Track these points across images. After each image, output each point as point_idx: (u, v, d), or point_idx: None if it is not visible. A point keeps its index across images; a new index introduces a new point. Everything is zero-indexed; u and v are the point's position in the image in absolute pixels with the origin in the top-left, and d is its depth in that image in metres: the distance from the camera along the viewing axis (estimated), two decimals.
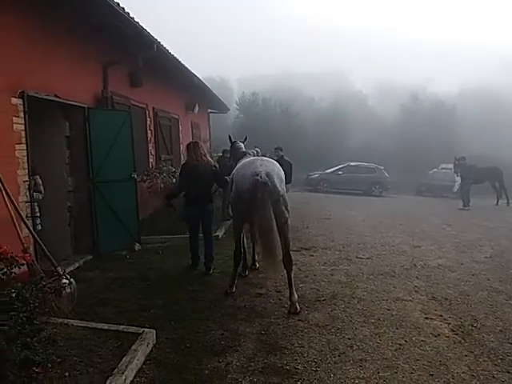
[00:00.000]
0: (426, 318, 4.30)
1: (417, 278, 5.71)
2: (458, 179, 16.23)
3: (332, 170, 21.55)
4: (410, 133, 27.26)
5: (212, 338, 3.81)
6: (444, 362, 3.42)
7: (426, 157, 24.47)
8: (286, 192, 9.06)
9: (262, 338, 3.84)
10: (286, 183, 9.80)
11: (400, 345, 3.71)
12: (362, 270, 6.06)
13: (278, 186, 4.63)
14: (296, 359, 3.46)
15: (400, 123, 29.42)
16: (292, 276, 4.67)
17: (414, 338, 3.83)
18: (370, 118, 30.39)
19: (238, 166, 5.29)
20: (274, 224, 4.36)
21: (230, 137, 6.48)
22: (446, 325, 4.15)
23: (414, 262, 6.55)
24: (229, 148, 10.05)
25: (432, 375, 3.22)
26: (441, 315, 4.39)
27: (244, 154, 5.85)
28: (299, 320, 4.23)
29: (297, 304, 4.50)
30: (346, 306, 4.61)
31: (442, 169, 21.36)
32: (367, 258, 6.73)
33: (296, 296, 4.58)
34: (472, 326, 4.15)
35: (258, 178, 4.46)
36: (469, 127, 26.57)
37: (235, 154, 6.15)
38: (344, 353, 3.57)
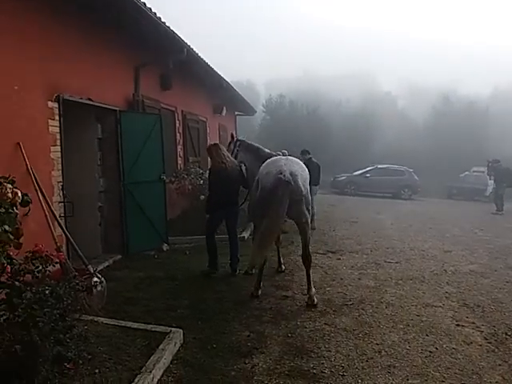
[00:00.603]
0: (458, 325, 4.18)
1: (447, 283, 5.56)
2: (491, 182, 15.73)
3: (360, 172, 21.28)
4: (441, 135, 26.67)
5: (238, 340, 3.82)
6: (476, 370, 3.32)
7: (458, 159, 23.85)
8: (314, 194, 9.12)
9: (289, 340, 3.83)
10: (314, 185, 9.90)
11: (430, 352, 3.61)
12: (390, 274, 5.95)
13: (301, 185, 4.71)
14: (323, 363, 3.43)
15: (431, 125, 28.83)
16: (310, 273, 4.89)
17: (444, 346, 3.73)
18: (399, 119, 29.87)
19: (262, 165, 5.23)
20: (281, 224, 4.59)
21: (232, 134, 6.33)
22: (479, 333, 4.03)
23: (445, 267, 6.38)
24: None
25: None
26: (473, 322, 4.26)
27: (269, 156, 5.70)
28: (326, 324, 4.19)
29: (314, 297, 4.72)
30: (374, 311, 4.53)
31: (473, 172, 20.77)
32: (396, 263, 6.60)
33: (313, 290, 4.80)
34: (506, 334, 4.00)
35: (282, 176, 4.53)
36: (502, 129, 25.70)
37: (256, 155, 5.95)
38: (372, 358, 3.51)
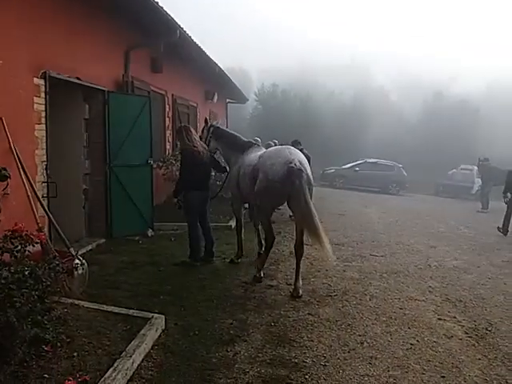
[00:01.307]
0: (439, 319, 4.21)
1: (431, 278, 5.60)
2: (478, 181, 15.87)
3: (349, 165, 21.31)
4: (431, 131, 26.80)
5: (221, 327, 3.79)
6: (456, 364, 3.34)
7: (447, 157, 24.02)
8: None
9: (271, 329, 3.81)
10: None
11: (411, 344, 3.63)
12: (375, 267, 5.97)
13: (310, 174, 4.88)
14: (305, 353, 3.42)
15: (422, 121, 28.93)
16: (300, 264, 4.87)
17: (426, 339, 3.75)
18: (391, 114, 29.92)
19: (259, 155, 5.15)
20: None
21: (206, 119, 6.13)
22: (460, 327, 4.06)
23: (429, 262, 6.43)
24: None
25: (444, 377, 3.14)
26: (454, 317, 4.29)
27: (249, 145, 5.63)
28: (309, 314, 4.18)
29: (300, 289, 4.68)
30: (358, 303, 4.54)
31: (461, 170, 20.94)
32: (381, 256, 6.63)
33: (300, 282, 4.77)
34: (486, 329, 4.04)
35: (293, 165, 4.60)
36: (493, 128, 25.93)
37: (232, 142, 5.76)
38: (354, 349, 3.51)
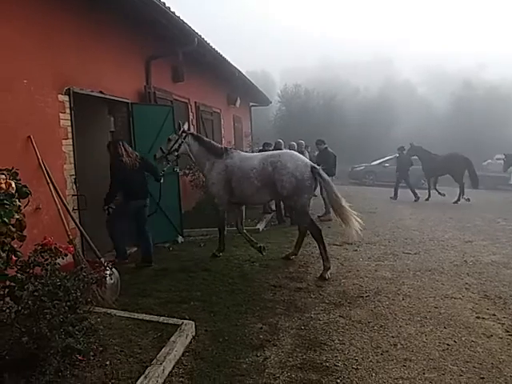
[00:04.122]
0: (478, 318, 4.03)
1: (468, 274, 5.38)
2: None
3: (378, 161, 20.91)
4: (462, 122, 25.95)
5: (250, 332, 3.77)
6: (496, 364, 3.18)
7: (480, 147, 23.16)
8: None
9: (302, 333, 3.76)
10: (329, 175, 9.87)
11: (448, 345, 3.49)
12: (408, 265, 5.81)
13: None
14: (336, 356, 3.35)
15: (452, 112, 28.06)
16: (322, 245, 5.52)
17: (463, 339, 3.60)
18: (419, 107, 29.18)
19: (260, 158, 5.67)
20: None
21: (179, 124, 6.07)
22: (500, 325, 3.87)
23: (465, 257, 6.19)
24: (268, 142, 10.07)
25: (483, 378, 3.00)
26: (494, 315, 4.10)
27: (227, 150, 5.94)
28: (340, 316, 4.10)
29: (328, 272, 5.27)
30: (391, 303, 4.42)
31: (496, 159, 20.15)
32: (414, 254, 6.44)
33: (330, 264, 5.43)
34: None
35: (314, 166, 5.49)
36: None
37: (207, 148, 5.97)
38: (387, 351, 3.41)
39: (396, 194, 13.78)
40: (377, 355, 3.35)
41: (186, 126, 6.08)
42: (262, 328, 3.85)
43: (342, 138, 23.68)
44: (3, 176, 2.05)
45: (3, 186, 2.03)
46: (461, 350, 3.42)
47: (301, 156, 5.76)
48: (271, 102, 21.11)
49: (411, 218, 9.93)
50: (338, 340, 3.62)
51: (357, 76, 31.57)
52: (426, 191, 13.83)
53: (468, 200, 12.77)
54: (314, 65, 35.96)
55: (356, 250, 6.64)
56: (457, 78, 29.73)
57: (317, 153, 11.18)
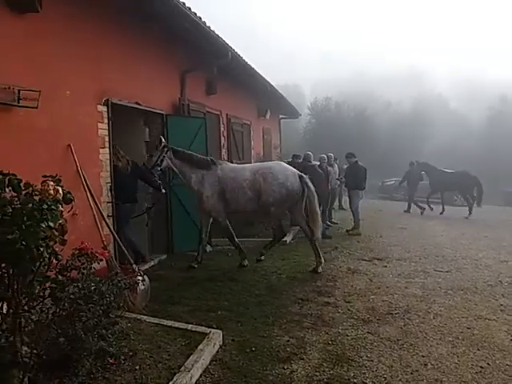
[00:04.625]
0: None
1: (503, 295, 5.20)
2: None
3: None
4: (497, 137, 25.18)
5: (277, 344, 3.77)
6: None
7: None
8: (360, 198, 9.93)
9: (329, 348, 3.73)
10: (359, 189, 9.78)
11: (481, 367, 3.38)
12: (439, 283, 5.66)
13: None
14: (364, 373, 3.30)
15: (486, 127, 27.31)
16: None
17: (497, 362, 3.48)
18: (452, 121, 28.56)
19: (251, 169, 6.11)
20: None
21: (160, 139, 6.13)
22: None
23: (500, 278, 5.98)
24: (296, 154, 10.12)
25: None
26: None
27: (214, 162, 6.20)
28: (369, 332, 4.04)
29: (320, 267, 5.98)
30: (421, 322, 4.32)
31: None
32: (446, 272, 6.27)
33: (323, 260, 6.11)
34: None
35: (302, 175, 5.98)
36: None
37: (189, 161, 6.10)
38: (417, 371, 3.33)
39: (409, 207, 13.95)
40: (406, 374, 3.28)
41: (162, 141, 6.10)
42: (288, 341, 3.84)
43: (373, 152, 23.42)
44: (52, 183, 2.16)
45: (52, 192, 2.14)
46: (494, 373, 3.30)
47: (289, 166, 6.24)
48: (301, 115, 21.15)
49: (443, 235, 9.68)
50: (366, 357, 3.56)
51: (389, 89, 31.24)
52: (457, 207, 13.60)
53: (467, 218, 12.92)
54: (346, 78, 35.85)
55: (386, 266, 6.53)
56: (492, 92, 28.95)
57: (345, 166, 11.12)
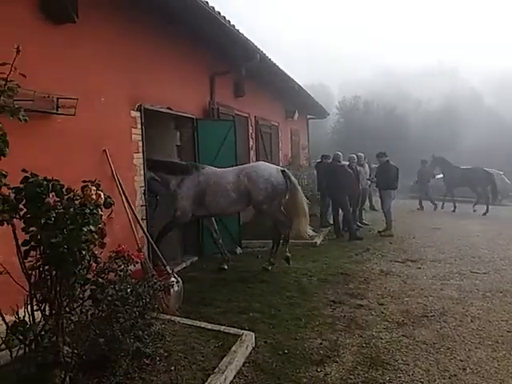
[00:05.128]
0: None
1: None
2: None
3: (441, 175, 19.95)
4: None
5: (310, 347, 3.75)
6: None
7: None
8: (392, 199, 9.75)
9: (363, 350, 3.69)
10: (391, 189, 9.60)
11: None
12: (477, 285, 5.49)
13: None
14: (400, 377, 3.25)
15: None
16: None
17: None
18: (486, 117, 27.62)
19: (234, 171, 6.14)
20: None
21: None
22: None
23: None
24: (326, 154, 10.04)
25: None
26: None
27: (194, 167, 6.19)
28: (404, 335, 3.97)
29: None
30: (458, 325, 4.20)
31: None
32: (483, 273, 6.08)
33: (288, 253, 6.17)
34: None
35: (285, 170, 6.15)
36: None
37: (171, 167, 6.09)
38: (455, 375, 3.25)
39: (421, 204, 14.38)
40: (444, 378, 3.21)
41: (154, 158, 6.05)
42: (321, 343, 3.82)
43: (405, 151, 22.89)
44: (94, 188, 2.24)
45: (94, 196, 2.22)
46: None
47: (271, 164, 6.48)
48: (329, 114, 20.94)
49: (479, 235, 9.37)
50: (402, 360, 3.50)
51: (419, 87, 30.54)
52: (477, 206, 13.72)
53: (474, 211, 13.27)
54: (374, 77, 35.31)
55: (420, 268, 6.39)
56: None
57: (374, 165, 10.98)
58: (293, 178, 6.18)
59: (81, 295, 2.60)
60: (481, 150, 24.10)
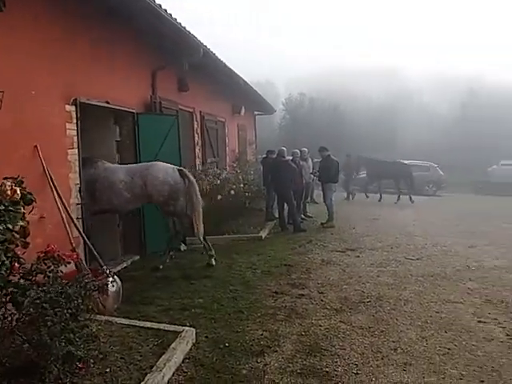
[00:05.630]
0: (479, 322, 4.03)
1: (470, 279, 5.38)
2: None
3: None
4: (466, 128, 25.92)
5: (251, 338, 3.79)
6: (496, 368, 3.18)
7: (485, 153, 23.09)
8: (334, 191, 9.93)
9: (302, 339, 3.77)
10: (332, 183, 9.87)
11: (449, 349, 3.49)
12: (410, 271, 5.80)
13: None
14: (336, 361, 3.36)
15: (457, 119, 28.06)
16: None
17: (464, 343, 3.60)
18: (424, 114, 29.22)
19: (126, 169, 5.94)
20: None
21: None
22: (501, 329, 3.87)
23: (468, 263, 6.18)
24: (271, 149, 10.13)
25: (482, 381, 3.01)
26: (495, 319, 4.09)
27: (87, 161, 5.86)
28: (341, 322, 4.12)
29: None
30: (392, 308, 4.42)
31: (502, 165, 20.06)
32: (417, 259, 6.44)
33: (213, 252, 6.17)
34: None
35: (181, 169, 6.02)
36: None
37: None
38: (387, 356, 3.42)
39: (348, 194, 15.66)
40: (377, 360, 3.36)
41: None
42: (262, 334, 3.86)
43: (347, 146, 23.63)
44: (8, 183, 2.11)
45: (9, 192, 2.09)
46: (461, 353, 3.42)
47: (167, 164, 6.03)
48: (275, 111, 21.20)
49: (414, 224, 9.92)
50: (339, 345, 3.63)
51: (361, 85, 31.67)
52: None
53: (412, 202, 14.17)
54: (319, 75, 36.11)
55: (358, 256, 6.65)
56: (461, 84, 29.74)
57: (316, 160, 11.28)
58: (191, 178, 6.02)
59: (3, 299, 2.45)
60: (418, 145, 25.48)
